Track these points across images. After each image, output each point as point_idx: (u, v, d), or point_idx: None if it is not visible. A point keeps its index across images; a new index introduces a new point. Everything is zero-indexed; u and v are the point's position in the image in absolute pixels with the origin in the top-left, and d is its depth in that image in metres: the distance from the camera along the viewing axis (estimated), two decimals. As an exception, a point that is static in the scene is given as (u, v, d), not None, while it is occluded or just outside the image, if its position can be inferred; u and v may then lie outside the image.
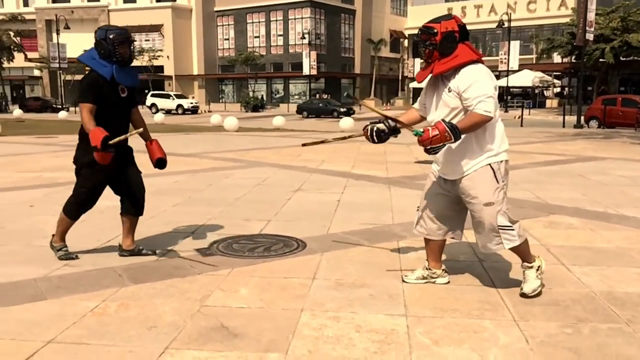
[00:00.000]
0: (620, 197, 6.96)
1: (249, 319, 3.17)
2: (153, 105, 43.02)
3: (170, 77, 56.28)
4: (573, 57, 37.73)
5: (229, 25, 57.74)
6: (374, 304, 3.42)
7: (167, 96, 44.15)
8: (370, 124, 3.63)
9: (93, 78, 4.01)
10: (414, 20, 60.07)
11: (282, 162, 10.38)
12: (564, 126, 23.05)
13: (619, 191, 7.34)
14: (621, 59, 34.17)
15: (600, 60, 34.79)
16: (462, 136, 3.28)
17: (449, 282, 3.81)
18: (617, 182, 8.14)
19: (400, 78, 57.83)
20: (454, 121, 3.29)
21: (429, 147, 3.23)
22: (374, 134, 3.58)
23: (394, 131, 3.63)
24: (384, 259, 4.35)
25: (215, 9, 57.81)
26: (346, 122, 20.57)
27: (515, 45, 40.34)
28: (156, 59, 51.60)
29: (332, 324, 3.12)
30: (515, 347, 2.84)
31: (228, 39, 57.97)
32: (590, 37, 22.37)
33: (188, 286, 3.71)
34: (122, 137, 3.98)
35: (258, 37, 55.86)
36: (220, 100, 55.70)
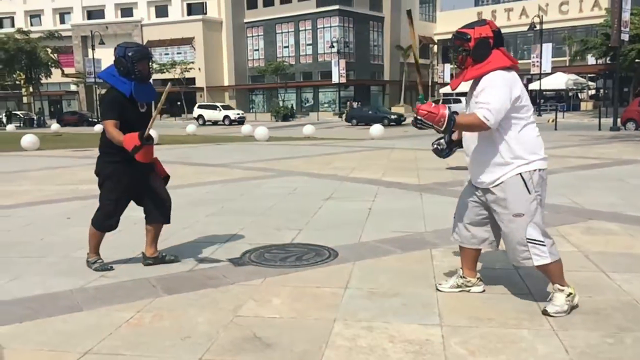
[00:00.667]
0: (662, 201, 6.73)
1: (282, 329, 3.17)
2: (200, 116, 43.70)
3: (201, 89, 57.13)
4: (608, 59, 36.87)
5: (258, 36, 58.37)
6: (408, 314, 3.38)
7: (214, 107, 44.41)
8: (435, 141, 3.72)
9: (114, 96, 4.08)
10: (442, 25, 59.70)
11: (313, 171, 10.40)
12: (599, 129, 22.51)
13: (660, 195, 7.12)
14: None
15: (636, 61, 33.88)
16: (452, 129, 3.26)
17: (484, 290, 3.73)
18: (657, 185, 7.89)
19: (430, 84, 57.39)
20: (485, 135, 3.28)
21: (419, 118, 3.15)
22: (436, 152, 3.70)
23: (453, 144, 3.66)
24: (416, 268, 4.30)
25: (245, 20, 58.53)
26: (376, 129, 20.50)
27: (547, 47, 39.64)
28: (188, 71, 52.52)
29: (365, 334, 3.09)
30: (555, 358, 2.76)
31: (258, 50, 58.58)
32: (625, 37, 21.83)
33: (221, 296, 3.73)
34: (151, 121, 4.08)
35: (287, 47, 56.29)
36: (251, 111, 56.23)
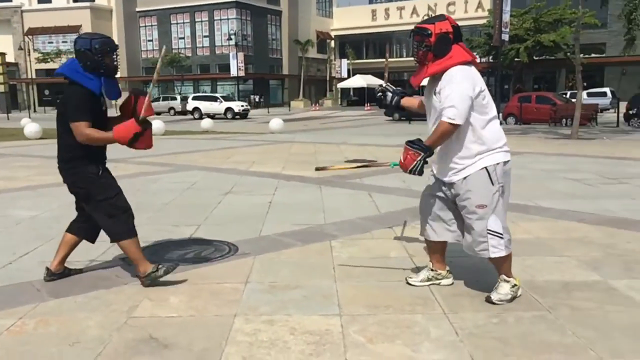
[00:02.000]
0: (538, 189, 7.31)
1: (180, 328, 3.07)
2: (196, 109, 36.10)
3: (90, 80, 54.01)
4: (491, 57, 39.41)
5: (152, 26, 56.19)
6: (308, 305, 3.40)
7: (214, 99, 36.98)
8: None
9: (83, 94, 3.55)
10: (339, 21, 60.84)
11: (212, 165, 10.20)
12: (485, 123, 24.00)
13: (536, 184, 7.72)
14: (534, 58, 36.06)
15: (516, 59, 36.57)
16: (437, 147, 3.31)
17: (452, 283, 3.71)
18: (534, 175, 8.56)
19: (328, 79, 58.33)
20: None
21: (408, 171, 3.29)
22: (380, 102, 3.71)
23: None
24: (317, 260, 4.34)
25: (137, 9, 56.10)
26: (276, 123, 20.48)
27: (437, 45, 41.62)
28: (75, 61, 49.44)
29: (266, 328, 3.07)
30: (446, 340, 2.91)
31: (152, 40, 56.40)
32: (505, 37, 23.40)
33: (114, 297, 3.55)
34: (148, 99, 3.65)
35: (183, 38, 54.69)
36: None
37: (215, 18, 52.91)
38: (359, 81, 50.81)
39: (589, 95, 31.98)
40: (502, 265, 3.43)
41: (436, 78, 3.34)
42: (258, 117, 35.73)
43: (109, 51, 3.63)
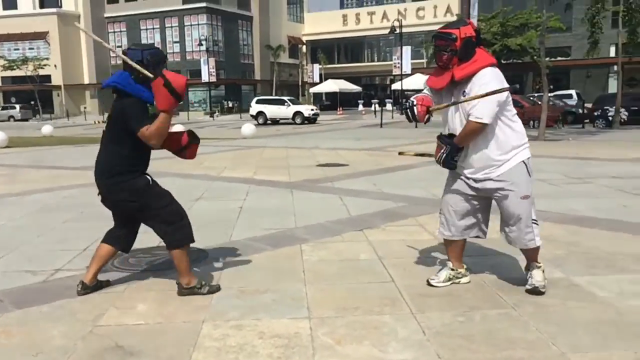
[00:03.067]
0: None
1: (147, 336, 3.04)
2: (260, 114, 33.47)
3: (58, 87, 53.14)
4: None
5: (121, 32, 55.48)
6: (277, 309, 3.41)
7: (281, 102, 34.06)
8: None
9: (141, 103, 3.48)
10: (310, 26, 61.01)
11: (183, 171, 10.10)
12: (455, 126, 24.31)
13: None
14: (502, 61, 36.66)
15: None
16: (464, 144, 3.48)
17: (470, 281, 3.79)
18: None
19: (300, 83, 58.38)
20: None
21: (436, 161, 3.57)
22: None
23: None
24: (287, 264, 4.35)
25: (106, 15, 55.35)
26: (248, 129, 20.42)
27: (407, 50, 42.06)
28: (42, 68, 48.53)
29: (234, 333, 3.06)
30: (413, 339, 2.94)
31: (121, 46, 55.62)
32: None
33: (79, 306, 3.49)
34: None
35: (153, 44, 54.11)
36: (116, 110, 53.32)
37: (185, 24, 52.53)
38: (331, 86, 50.96)
39: (556, 97, 32.71)
40: (536, 253, 3.61)
41: (464, 80, 3.44)
42: (230, 122, 35.55)
43: (159, 62, 3.56)
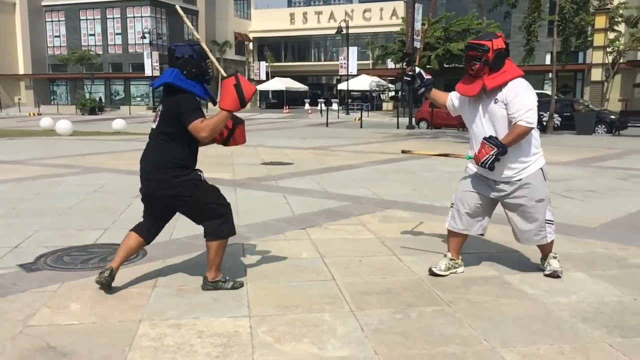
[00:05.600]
0: (445, 191, 7.63)
1: (80, 336, 2.96)
2: None
3: (-10, 77, 50.58)
4: (404, 64, 40.76)
5: (59, 21, 53.29)
6: (217, 308, 3.38)
7: None
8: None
9: (194, 98, 3.52)
10: (257, 23, 60.58)
11: (122, 167, 9.84)
12: (398, 127, 24.80)
13: (443, 185, 8.07)
14: (444, 65, 37.64)
15: (427, 66, 37.99)
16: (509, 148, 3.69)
17: (463, 271, 4.05)
18: (442, 177, 8.96)
19: (246, 81, 57.85)
20: (500, 127, 3.71)
21: (480, 163, 3.70)
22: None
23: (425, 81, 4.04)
24: (228, 262, 4.30)
25: (43, 3, 52.97)
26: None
27: (353, 51, 42.46)
28: (-28, 56, 46.04)
29: (172, 332, 3.02)
30: (352, 336, 2.99)
31: (59, 37, 53.50)
32: (417, 45, 24.32)
33: (9, 306, 3.35)
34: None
35: (93, 35, 52.28)
36: (52, 103, 51.25)
37: (128, 15, 51.02)
38: (278, 84, 50.84)
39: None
40: (551, 246, 4.00)
41: (496, 89, 3.71)
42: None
43: (205, 57, 3.59)
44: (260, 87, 52.94)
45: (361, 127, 25.05)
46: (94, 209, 6.28)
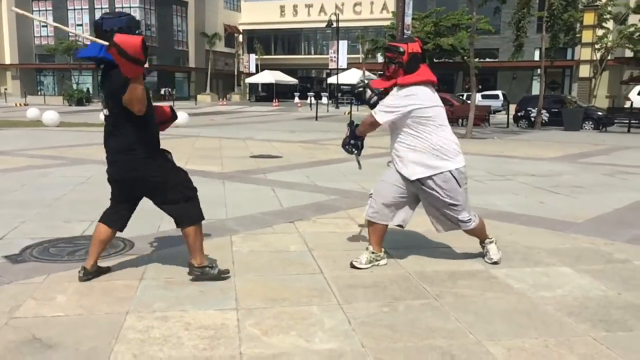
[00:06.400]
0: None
1: (66, 328, 2.94)
2: None
3: (-24, 66, 49.94)
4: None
5: (46, 11, 52.70)
6: (205, 300, 3.38)
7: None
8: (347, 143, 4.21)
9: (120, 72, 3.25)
10: (247, 15, 60.30)
11: (110, 159, 9.77)
12: (388, 121, 24.78)
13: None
14: (434, 60, 37.70)
15: (418, 61, 37.97)
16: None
17: (386, 263, 4.07)
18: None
19: (236, 73, 57.64)
20: (399, 124, 3.85)
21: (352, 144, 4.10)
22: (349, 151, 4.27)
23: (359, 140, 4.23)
24: (216, 254, 4.29)
25: (30, -8, 52.43)
26: (181, 118, 19.94)
27: (343, 45, 42.46)
28: (-43, 45, 45.40)
29: (159, 325, 3.01)
30: (339, 329, 3.00)
31: (46, 26, 52.90)
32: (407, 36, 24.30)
33: (-7, 298, 3.32)
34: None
35: (81, 25, 51.75)
36: (39, 93, 50.68)
37: (116, 5, 50.48)
38: (268, 77, 50.67)
39: (483, 97, 34.00)
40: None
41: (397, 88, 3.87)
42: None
43: (135, 28, 3.41)
44: (250, 80, 52.79)
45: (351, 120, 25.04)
46: (81, 201, 6.23)
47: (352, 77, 44.85)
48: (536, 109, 22.17)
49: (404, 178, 3.90)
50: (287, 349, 2.77)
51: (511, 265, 4.17)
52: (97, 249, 3.66)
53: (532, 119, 22.51)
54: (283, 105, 43.78)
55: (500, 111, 31.95)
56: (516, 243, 4.76)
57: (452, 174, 3.82)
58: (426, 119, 3.80)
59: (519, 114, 23.45)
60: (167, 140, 14.06)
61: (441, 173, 3.80)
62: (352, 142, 4.13)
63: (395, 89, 3.86)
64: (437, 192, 3.84)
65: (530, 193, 7.26)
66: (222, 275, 3.72)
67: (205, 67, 54.52)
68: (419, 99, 3.79)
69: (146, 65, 3.33)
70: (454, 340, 2.89)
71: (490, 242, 4.20)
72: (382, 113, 3.82)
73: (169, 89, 47.57)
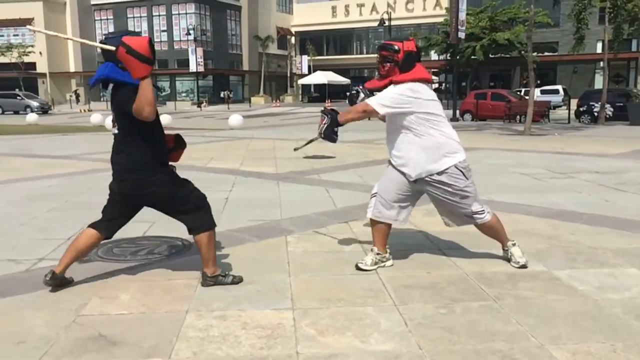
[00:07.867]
0: (490, 183, 7.50)
1: (130, 325, 3.04)
2: None
3: (44, 75, 52.50)
4: (448, 55, 40.11)
5: (107, 19, 54.91)
6: (262, 300, 3.42)
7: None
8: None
9: (132, 87, 3.30)
10: (299, 17, 60.77)
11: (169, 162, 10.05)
12: (442, 119, 24.43)
13: (489, 178, 7.91)
14: (490, 56, 36.90)
15: (472, 57, 37.29)
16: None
17: (392, 264, 4.02)
18: (487, 170, 8.77)
19: (289, 75, 58.20)
20: (397, 123, 3.78)
21: (318, 134, 3.95)
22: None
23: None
24: (271, 255, 4.36)
25: (92, 2, 54.74)
26: (235, 120, 20.33)
27: (396, 43, 42.03)
28: (27, 55, 47.88)
29: (218, 323, 3.07)
30: (395, 331, 2.97)
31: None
32: (462, 35, 23.87)
33: (62, 296, 3.48)
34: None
35: (140, 32, 53.59)
36: (102, 99, 52.80)
37: (173, 12, 52.09)
38: (320, 77, 50.88)
39: (542, 92, 32.91)
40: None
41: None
42: (218, 113, 35.37)
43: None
44: (302, 81, 53.13)
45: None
46: (142, 203, 6.43)
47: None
48: (599, 103, 21.27)
49: (407, 177, 3.84)
50: (343, 350, 2.77)
51: (574, 266, 4.01)
52: (72, 257, 3.60)
53: (595, 114, 21.61)
54: (336, 105, 43.77)
55: (560, 106, 30.87)
56: (579, 243, 4.58)
57: (457, 168, 3.76)
58: (427, 116, 3.74)
59: (581, 109, 22.59)
60: (223, 142, 14.39)
61: (447, 168, 3.74)
62: (336, 129, 3.95)
63: (391, 86, 3.80)
64: (447, 188, 3.77)
65: (594, 191, 6.98)
66: (236, 281, 3.69)
67: (258, 70, 55.32)
68: (421, 94, 3.75)
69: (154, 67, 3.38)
70: (515, 343, 2.81)
71: (513, 245, 4.02)
72: (381, 105, 3.74)
73: (228, 92, 48.30)
